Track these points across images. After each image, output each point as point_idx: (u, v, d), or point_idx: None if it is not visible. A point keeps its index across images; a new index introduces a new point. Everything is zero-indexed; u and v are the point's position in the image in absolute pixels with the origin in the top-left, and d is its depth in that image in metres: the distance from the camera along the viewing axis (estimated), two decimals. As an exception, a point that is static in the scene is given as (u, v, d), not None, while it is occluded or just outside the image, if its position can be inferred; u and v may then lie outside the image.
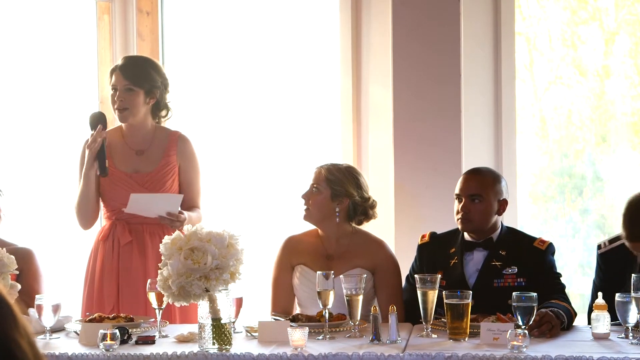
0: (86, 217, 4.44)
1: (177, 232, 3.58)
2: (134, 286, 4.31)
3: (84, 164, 4.39)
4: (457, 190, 4.09)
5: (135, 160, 4.44)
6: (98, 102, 5.36)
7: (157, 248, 4.13)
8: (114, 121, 4.60)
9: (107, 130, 4.44)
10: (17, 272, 3.81)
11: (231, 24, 5.46)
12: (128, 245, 4.36)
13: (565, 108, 5.46)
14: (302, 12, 5.42)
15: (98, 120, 4.40)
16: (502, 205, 4.09)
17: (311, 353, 3.37)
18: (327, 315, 3.68)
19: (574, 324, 3.86)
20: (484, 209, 4.03)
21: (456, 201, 4.09)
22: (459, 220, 4.05)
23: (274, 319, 3.91)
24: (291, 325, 3.57)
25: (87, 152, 4.37)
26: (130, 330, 3.64)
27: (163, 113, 4.49)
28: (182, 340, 3.63)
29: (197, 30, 5.50)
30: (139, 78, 4.37)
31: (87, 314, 4.11)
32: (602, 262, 4.06)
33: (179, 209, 4.29)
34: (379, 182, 4.99)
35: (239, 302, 3.86)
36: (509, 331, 3.37)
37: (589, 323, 3.77)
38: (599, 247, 4.09)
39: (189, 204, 4.43)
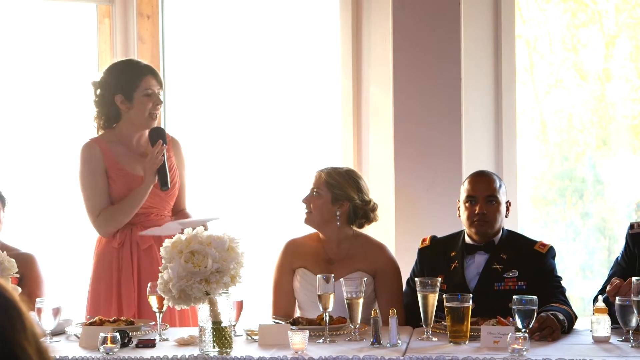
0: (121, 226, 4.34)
1: (177, 235, 3.57)
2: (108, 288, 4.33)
3: (94, 169, 4.32)
4: (470, 192, 4.04)
5: (142, 163, 4.40)
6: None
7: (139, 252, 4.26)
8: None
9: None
10: (18, 276, 3.82)
11: (232, 27, 5.46)
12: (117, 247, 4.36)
13: (566, 111, 5.46)
14: (303, 15, 5.42)
15: (158, 135, 4.32)
16: (508, 206, 4.09)
17: (311, 356, 3.37)
18: (327, 318, 3.68)
19: (574, 327, 3.86)
20: (499, 210, 4.03)
21: (467, 204, 4.04)
22: (476, 222, 4.00)
23: (275, 322, 3.91)
24: (292, 329, 3.57)
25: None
26: (130, 334, 3.65)
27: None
28: (183, 343, 3.63)
29: (198, 33, 5.50)
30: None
31: (88, 317, 4.11)
32: (630, 241, 3.99)
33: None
34: (379, 185, 4.98)
35: (240, 306, 3.86)
36: (509, 334, 3.37)
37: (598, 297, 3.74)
38: (632, 226, 4.02)
39: (180, 207, 4.46)
